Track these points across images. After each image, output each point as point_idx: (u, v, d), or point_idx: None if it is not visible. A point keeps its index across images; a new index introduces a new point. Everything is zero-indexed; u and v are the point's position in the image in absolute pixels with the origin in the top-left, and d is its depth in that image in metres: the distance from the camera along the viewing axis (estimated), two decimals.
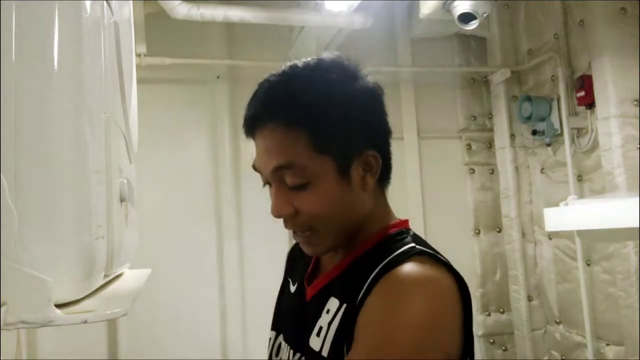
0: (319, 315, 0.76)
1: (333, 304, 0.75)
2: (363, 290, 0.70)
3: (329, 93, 0.74)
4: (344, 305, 0.73)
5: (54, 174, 0.60)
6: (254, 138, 0.77)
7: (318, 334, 0.75)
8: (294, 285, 0.91)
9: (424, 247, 0.74)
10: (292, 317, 0.86)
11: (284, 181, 0.74)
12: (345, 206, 0.75)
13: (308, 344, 0.76)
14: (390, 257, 0.72)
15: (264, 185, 0.79)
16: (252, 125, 0.76)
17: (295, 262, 0.95)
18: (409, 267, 0.69)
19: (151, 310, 2.48)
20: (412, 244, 0.74)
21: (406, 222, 0.83)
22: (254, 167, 0.78)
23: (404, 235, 0.77)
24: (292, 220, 0.76)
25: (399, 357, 0.61)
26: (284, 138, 0.72)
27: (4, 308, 0.54)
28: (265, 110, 0.74)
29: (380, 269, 0.71)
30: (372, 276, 0.71)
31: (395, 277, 0.69)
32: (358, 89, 0.76)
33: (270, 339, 0.91)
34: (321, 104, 0.73)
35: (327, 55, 0.79)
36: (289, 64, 0.78)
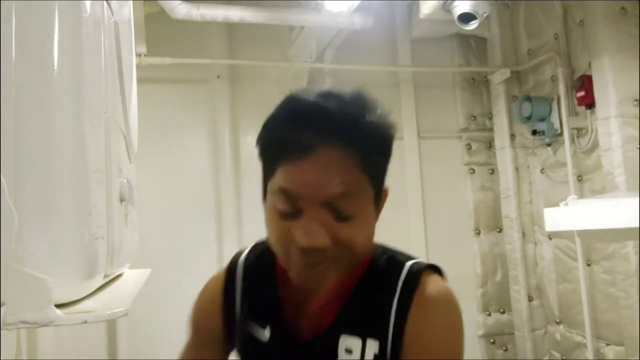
0: (334, 357, 0.71)
1: (352, 342, 0.71)
2: (392, 322, 0.71)
3: (385, 127, 0.71)
4: (374, 342, 0.71)
5: (54, 174, 0.59)
6: (299, 155, 0.66)
7: None
8: (264, 329, 0.78)
9: (407, 255, 0.79)
10: None
11: (331, 209, 0.66)
12: (372, 233, 0.74)
13: None
14: (403, 277, 0.74)
15: (285, 214, 0.68)
16: (315, 142, 0.66)
17: (262, 306, 0.80)
18: (435, 284, 0.74)
19: (151, 310, 2.48)
20: (409, 256, 0.79)
21: None
22: (286, 191, 0.67)
23: (382, 246, 0.80)
24: (321, 252, 0.67)
25: None
26: (348, 164, 0.66)
27: (3, 308, 0.54)
28: (338, 125, 0.67)
29: (400, 295, 0.72)
30: (395, 303, 0.72)
31: (431, 297, 0.73)
32: (388, 124, 0.72)
33: None
34: (371, 132, 0.69)
35: (346, 89, 0.72)
36: (322, 89, 0.71)
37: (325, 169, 0.66)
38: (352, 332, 0.72)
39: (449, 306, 0.73)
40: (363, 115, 0.68)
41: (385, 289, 0.72)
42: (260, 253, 0.85)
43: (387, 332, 0.70)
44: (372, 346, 0.70)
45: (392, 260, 0.77)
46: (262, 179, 0.73)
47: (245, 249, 0.90)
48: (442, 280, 0.76)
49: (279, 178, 0.68)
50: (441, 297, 0.73)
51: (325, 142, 0.66)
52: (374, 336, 0.71)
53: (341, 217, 0.67)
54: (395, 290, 0.72)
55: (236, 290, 0.84)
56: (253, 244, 0.89)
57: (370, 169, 0.68)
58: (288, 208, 0.67)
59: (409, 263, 0.76)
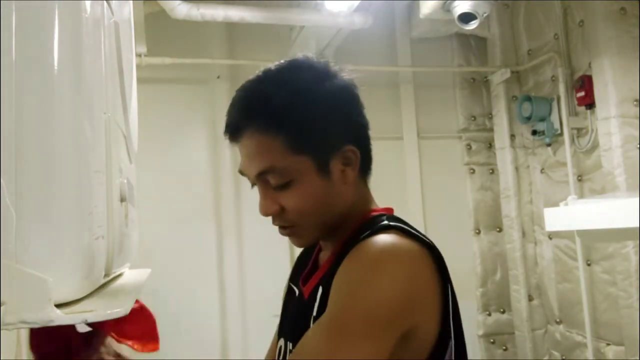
0: (312, 310, 0.78)
1: (319, 293, 0.78)
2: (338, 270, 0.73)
3: (301, 93, 0.77)
4: (322, 290, 0.76)
5: (54, 174, 0.59)
6: (237, 144, 0.80)
7: (312, 324, 0.76)
8: (297, 289, 0.92)
9: (399, 223, 0.76)
10: (294, 320, 0.86)
11: (268, 182, 0.78)
12: (328, 200, 0.79)
13: None
14: (363, 235, 0.74)
15: (252, 186, 0.82)
16: (232, 133, 0.80)
17: (300, 269, 0.95)
18: (374, 238, 0.72)
19: (151, 309, 2.48)
20: (385, 222, 0.76)
21: (390, 209, 0.85)
22: (240, 172, 0.82)
23: (381, 218, 0.79)
24: (279, 217, 0.79)
25: (361, 317, 0.65)
26: (262, 143, 0.76)
27: (3, 308, 0.54)
28: (242, 117, 0.78)
29: (352, 246, 0.73)
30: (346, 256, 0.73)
31: (361, 248, 0.72)
32: (330, 87, 0.79)
33: (280, 346, 0.91)
34: (295, 105, 0.75)
35: (299, 55, 0.82)
36: (263, 68, 0.81)
37: (245, 150, 0.78)
38: (322, 286, 0.78)
39: (375, 259, 0.69)
40: (280, 91, 0.76)
41: (350, 248, 0.74)
42: None
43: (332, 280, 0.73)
44: (323, 291, 0.76)
45: (369, 224, 0.78)
46: None
47: None
48: (399, 238, 0.71)
49: None
50: (371, 249, 0.70)
51: (239, 130, 0.78)
52: (325, 285, 0.75)
53: (276, 188, 0.77)
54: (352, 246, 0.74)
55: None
56: None
57: (295, 142, 0.75)
58: (250, 183, 0.82)
59: (384, 222, 0.76)
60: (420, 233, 0.75)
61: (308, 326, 0.77)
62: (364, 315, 0.65)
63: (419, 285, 0.70)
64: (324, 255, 0.86)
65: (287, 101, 0.75)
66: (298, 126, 0.75)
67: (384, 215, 0.81)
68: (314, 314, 0.76)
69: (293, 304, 0.90)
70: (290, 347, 0.84)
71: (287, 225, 0.80)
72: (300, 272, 0.93)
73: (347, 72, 0.82)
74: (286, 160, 0.75)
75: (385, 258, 0.69)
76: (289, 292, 0.95)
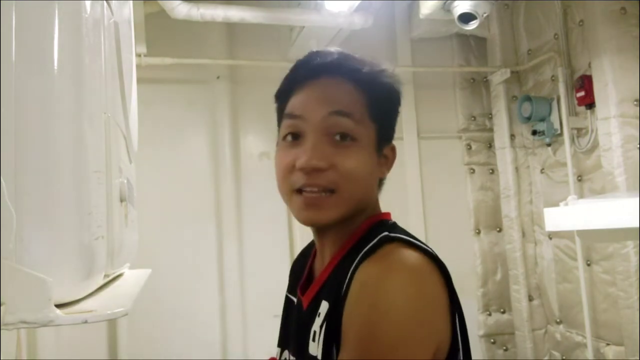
0: (312, 322, 0.75)
1: (323, 306, 0.74)
2: (344, 287, 0.69)
3: (384, 77, 0.80)
4: (328, 305, 0.73)
5: (54, 174, 0.59)
6: (305, 85, 0.77)
7: (314, 339, 0.73)
8: (294, 295, 0.90)
9: (399, 234, 0.73)
10: (294, 331, 0.84)
11: (328, 133, 0.74)
12: (371, 179, 0.78)
13: (308, 352, 0.75)
14: (365, 249, 0.71)
15: (287, 136, 0.77)
16: (320, 71, 0.77)
17: (296, 279, 0.92)
18: (381, 257, 0.68)
19: (151, 310, 2.48)
20: (385, 233, 0.72)
21: (387, 214, 0.84)
22: (291, 115, 0.76)
23: (382, 227, 0.76)
24: (322, 174, 0.72)
25: (388, 351, 0.60)
26: (350, 92, 0.76)
27: (3, 308, 0.54)
28: (341, 63, 0.78)
29: (356, 263, 0.70)
30: (350, 271, 0.70)
31: (369, 270, 0.67)
32: (397, 84, 0.83)
33: (277, 355, 0.89)
34: (379, 81, 0.79)
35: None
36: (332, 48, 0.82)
37: (326, 90, 0.76)
38: (325, 299, 0.74)
39: (387, 282, 0.64)
40: (370, 65, 0.79)
41: (354, 257, 0.71)
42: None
43: (339, 298, 0.69)
44: (329, 309, 0.71)
45: (374, 231, 0.74)
46: (277, 126, 0.82)
47: None
48: (405, 254, 0.68)
49: (287, 108, 0.78)
50: (381, 271, 0.66)
51: (330, 72, 0.77)
52: (331, 301, 0.72)
53: (338, 141, 0.74)
54: (356, 258, 0.70)
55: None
56: None
57: (372, 106, 0.77)
58: (292, 130, 0.76)
59: (384, 234, 0.72)
60: (420, 242, 0.72)
61: (308, 337, 0.74)
62: (389, 352, 0.60)
63: (434, 303, 0.66)
64: (320, 263, 0.83)
65: (376, 76, 0.79)
66: (381, 99, 0.78)
67: (384, 223, 0.78)
68: (318, 329, 0.72)
69: (293, 314, 0.88)
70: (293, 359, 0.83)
71: (325, 189, 0.73)
72: (297, 282, 0.91)
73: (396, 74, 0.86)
74: (363, 117, 0.76)
75: (395, 279, 0.65)
76: (288, 302, 0.92)
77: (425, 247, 0.71)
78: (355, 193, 0.75)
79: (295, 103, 0.77)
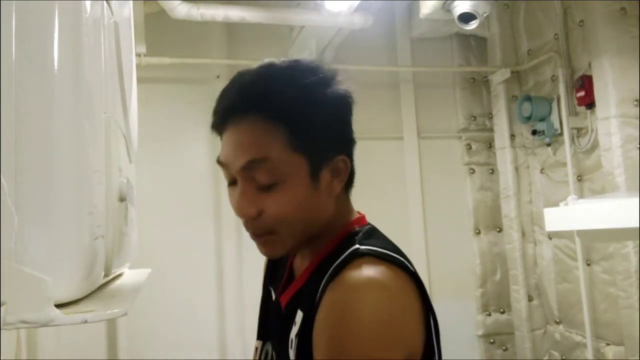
0: (290, 328, 0.75)
1: (299, 316, 0.74)
2: (317, 300, 0.69)
3: (309, 94, 0.73)
4: (303, 315, 0.72)
5: (54, 174, 0.59)
6: (223, 131, 0.75)
7: (291, 347, 0.73)
8: (275, 293, 0.88)
9: (370, 244, 0.72)
10: (275, 327, 0.83)
11: (252, 179, 0.72)
12: (310, 210, 0.74)
13: (289, 356, 0.74)
14: (336, 262, 0.70)
15: (229, 183, 0.76)
16: (226, 117, 0.74)
17: (276, 271, 0.91)
18: (350, 273, 0.67)
19: (150, 310, 2.48)
20: (356, 246, 0.72)
21: (361, 219, 0.81)
22: (219, 162, 0.75)
23: (354, 239, 0.75)
24: (256, 222, 0.74)
25: None
26: (262, 132, 0.71)
27: (3, 308, 0.54)
28: (245, 102, 0.72)
29: (328, 277, 0.69)
30: (322, 285, 0.70)
31: (338, 287, 0.67)
32: (332, 93, 0.75)
33: (256, 348, 0.88)
34: (302, 103, 0.72)
35: (303, 58, 0.79)
36: (265, 61, 0.76)
37: (238, 137, 0.72)
38: (301, 308, 0.74)
39: (355, 299, 0.64)
40: (296, 82, 0.72)
41: (327, 268, 0.71)
42: None
43: (312, 310, 0.70)
44: (303, 320, 0.71)
45: (349, 241, 0.74)
46: None
47: None
48: (375, 270, 0.67)
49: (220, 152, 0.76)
50: (348, 288, 0.66)
51: (238, 113, 0.72)
52: (305, 313, 0.72)
53: (262, 187, 0.71)
54: (329, 270, 0.70)
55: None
56: None
57: (296, 136, 0.71)
58: (227, 178, 0.76)
59: (355, 247, 0.71)
60: (392, 253, 0.71)
61: (287, 343, 0.74)
62: None
63: (405, 316, 0.66)
64: (300, 264, 0.82)
65: (296, 98, 0.72)
66: (303, 125, 0.71)
67: (357, 232, 0.77)
68: (294, 338, 0.73)
69: (272, 308, 0.87)
70: (274, 355, 0.83)
71: (262, 233, 0.75)
72: (274, 276, 0.90)
73: (344, 78, 0.78)
74: (283, 155, 0.70)
75: (362, 302, 0.64)
76: (267, 293, 0.92)
77: (398, 257, 0.70)
78: (295, 231, 0.74)
79: (221, 149, 0.76)
